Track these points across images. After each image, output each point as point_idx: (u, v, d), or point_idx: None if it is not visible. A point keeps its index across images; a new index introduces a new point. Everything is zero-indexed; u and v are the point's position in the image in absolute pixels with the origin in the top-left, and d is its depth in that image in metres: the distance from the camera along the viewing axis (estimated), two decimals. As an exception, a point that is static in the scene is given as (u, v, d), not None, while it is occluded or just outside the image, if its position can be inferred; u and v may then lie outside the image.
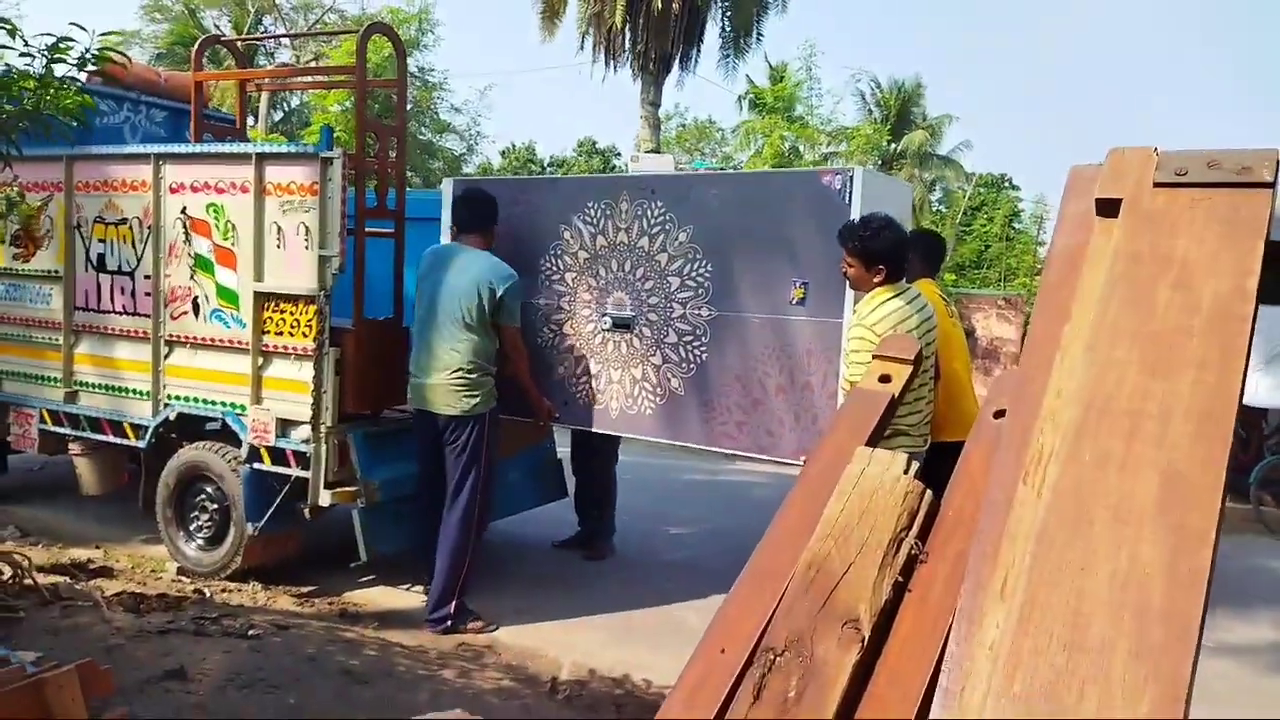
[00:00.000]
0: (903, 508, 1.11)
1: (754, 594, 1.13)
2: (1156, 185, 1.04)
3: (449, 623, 4.35)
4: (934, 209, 24.53)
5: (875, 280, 3.62)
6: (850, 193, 3.83)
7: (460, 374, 4.27)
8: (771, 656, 1.02)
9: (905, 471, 1.15)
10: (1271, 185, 0.99)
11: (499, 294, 4.25)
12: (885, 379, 1.37)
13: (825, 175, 3.99)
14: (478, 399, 4.30)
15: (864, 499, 1.14)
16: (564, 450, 5.83)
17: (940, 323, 3.99)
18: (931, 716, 0.84)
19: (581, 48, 17.45)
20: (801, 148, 17.22)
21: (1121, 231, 1.03)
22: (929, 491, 1.14)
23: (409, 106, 19.82)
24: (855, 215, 3.78)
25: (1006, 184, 29.76)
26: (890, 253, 3.61)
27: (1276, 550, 6.88)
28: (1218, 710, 3.99)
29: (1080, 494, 0.87)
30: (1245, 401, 7.88)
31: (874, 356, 1.40)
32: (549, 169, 30.79)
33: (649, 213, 4.35)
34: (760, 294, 4.09)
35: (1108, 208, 1.07)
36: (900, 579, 1.06)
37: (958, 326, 4.48)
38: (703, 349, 4.25)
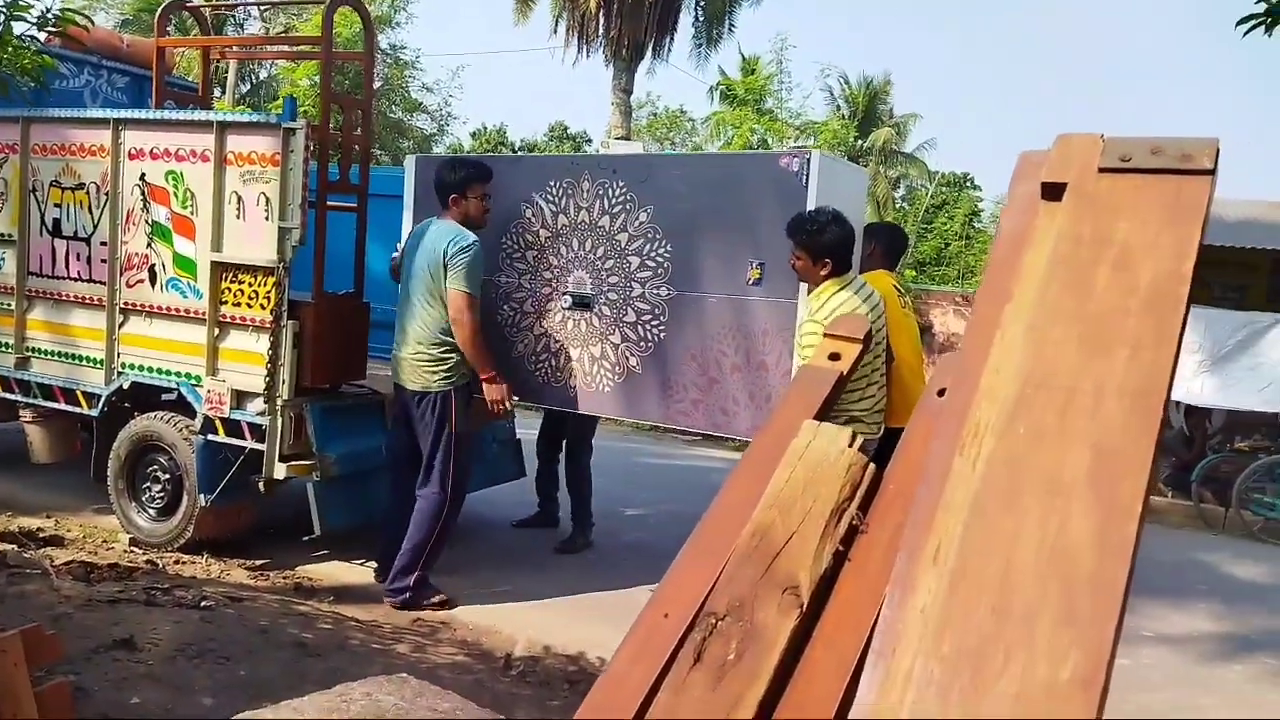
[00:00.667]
0: (846, 480, 1.14)
1: (698, 561, 1.15)
2: (1101, 170, 1.07)
3: (408, 595, 4.33)
4: (897, 206, 24.72)
5: (822, 274, 3.68)
6: (807, 176, 3.85)
7: (422, 349, 4.26)
8: (713, 621, 1.04)
9: (850, 445, 1.17)
10: (1212, 172, 1.02)
11: (445, 254, 4.16)
12: (835, 357, 1.39)
13: (783, 158, 4.01)
14: (439, 375, 4.27)
15: (809, 471, 1.16)
16: (525, 433, 5.83)
17: (892, 313, 4.06)
18: (863, 677, 0.86)
19: (555, 31, 17.36)
20: (770, 140, 17.27)
21: (1065, 215, 1.06)
22: (872, 465, 1.16)
23: (380, 84, 19.60)
24: (811, 198, 3.81)
25: (968, 183, 30.06)
26: (837, 247, 3.66)
27: (1215, 545, 7.07)
28: (1151, 695, 4.10)
29: (1014, 466, 0.89)
30: (1190, 401, 8.08)
31: (825, 335, 1.42)
32: (519, 152, 30.61)
33: (610, 192, 4.34)
34: (718, 274, 4.11)
35: (1053, 191, 1.10)
36: (841, 549, 1.08)
37: (911, 317, 4.54)
38: (661, 328, 4.26)
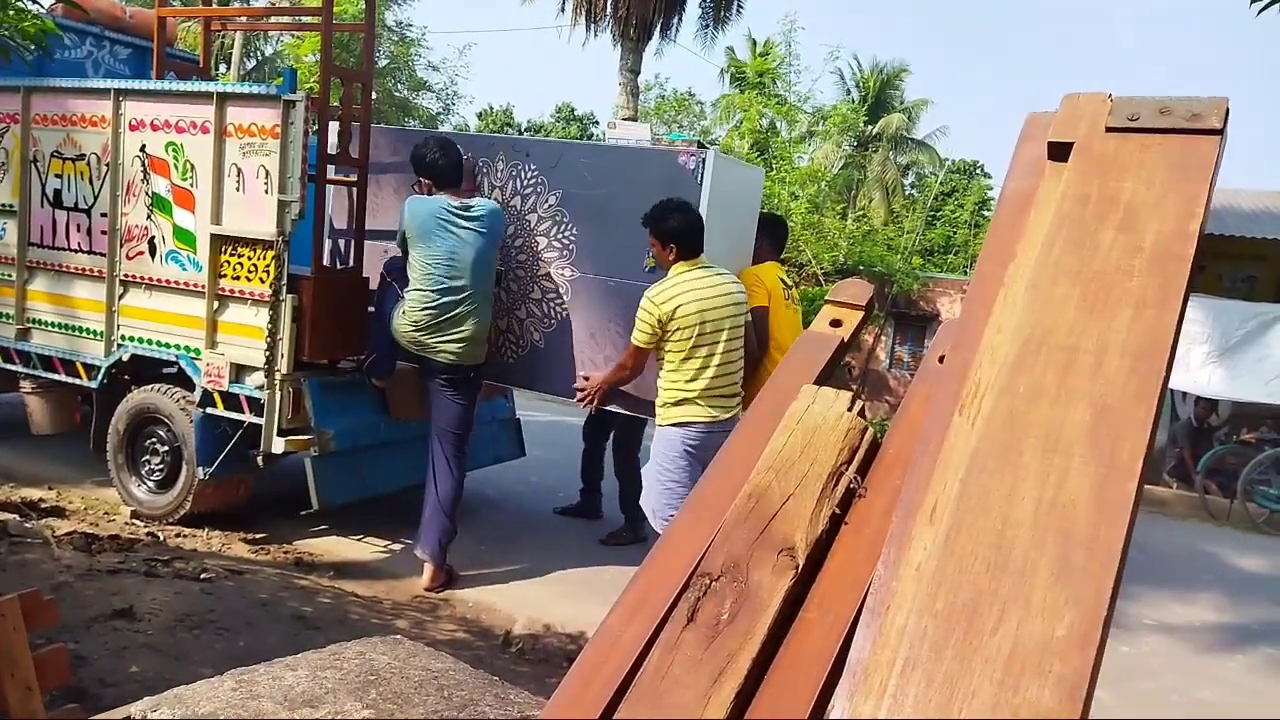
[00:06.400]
0: (844, 443, 1.12)
1: (695, 523, 1.14)
2: (1108, 130, 1.05)
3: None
4: (907, 193, 24.58)
5: (670, 258, 3.95)
6: (702, 173, 4.09)
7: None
8: (707, 581, 1.03)
9: (849, 410, 1.16)
10: (1220, 132, 0.99)
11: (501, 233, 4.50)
12: (836, 323, 1.38)
13: (681, 155, 4.21)
14: None
15: (807, 434, 1.14)
16: (524, 415, 5.81)
17: (777, 303, 4.39)
18: (856, 634, 0.85)
19: (563, 10, 17.22)
20: (779, 125, 17.13)
21: (1071, 174, 1.04)
22: (871, 430, 1.15)
23: (385, 62, 19.49)
24: (705, 194, 4.07)
25: (979, 171, 29.90)
26: (680, 233, 3.92)
27: (1219, 537, 7.06)
28: (1150, 682, 4.10)
29: (1012, 424, 0.88)
30: (1197, 392, 8.05)
31: (826, 301, 1.41)
32: (526, 133, 30.49)
33: (523, 174, 4.54)
34: (617, 260, 4.34)
35: (1059, 152, 1.08)
36: (838, 511, 1.07)
37: (796, 311, 4.69)
38: (563, 307, 4.48)
